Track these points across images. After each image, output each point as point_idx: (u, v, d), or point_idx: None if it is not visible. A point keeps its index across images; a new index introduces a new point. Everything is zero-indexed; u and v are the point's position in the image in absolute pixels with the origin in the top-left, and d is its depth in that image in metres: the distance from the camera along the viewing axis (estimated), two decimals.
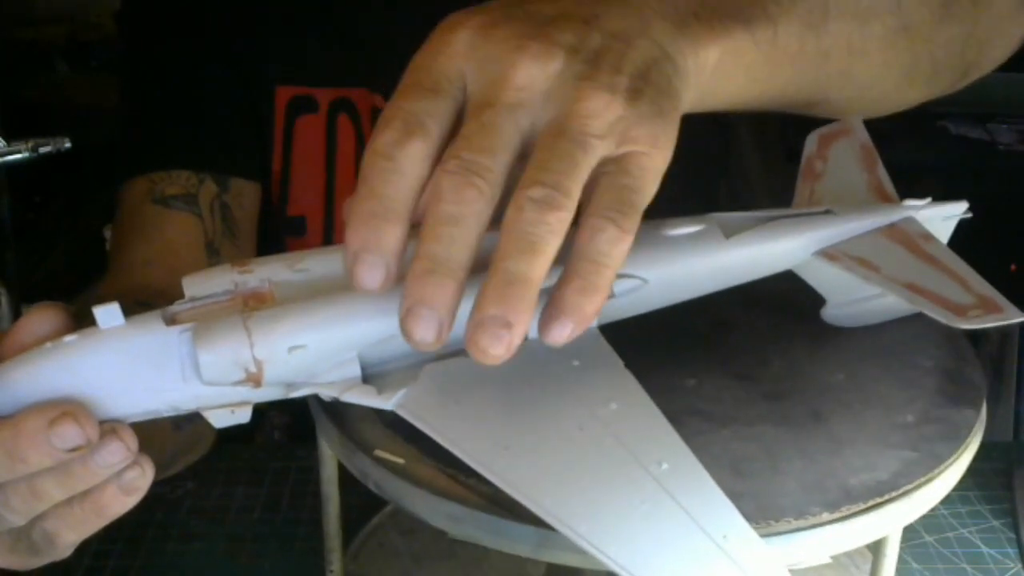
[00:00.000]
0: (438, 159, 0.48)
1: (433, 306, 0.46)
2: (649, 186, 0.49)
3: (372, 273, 0.47)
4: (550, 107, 0.49)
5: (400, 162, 0.47)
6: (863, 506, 0.50)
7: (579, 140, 0.48)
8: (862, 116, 0.70)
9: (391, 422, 0.53)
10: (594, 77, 0.49)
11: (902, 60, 0.72)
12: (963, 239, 0.60)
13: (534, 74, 0.49)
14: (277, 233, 0.96)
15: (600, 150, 0.48)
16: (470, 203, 0.46)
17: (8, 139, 0.77)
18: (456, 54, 0.50)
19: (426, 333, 0.46)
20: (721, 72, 0.57)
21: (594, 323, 0.52)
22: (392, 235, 0.47)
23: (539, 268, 0.46)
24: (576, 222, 0.48)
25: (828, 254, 0.57)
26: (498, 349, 0.46)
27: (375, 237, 0.47)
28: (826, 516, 0.49)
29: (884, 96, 0.75)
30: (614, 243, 0.47)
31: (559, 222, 0.46)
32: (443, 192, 0.47)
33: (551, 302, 0.47)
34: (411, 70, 0.50)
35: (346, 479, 0.63)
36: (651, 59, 0.51)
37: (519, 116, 0.49)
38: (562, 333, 0.47)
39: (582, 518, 0.44)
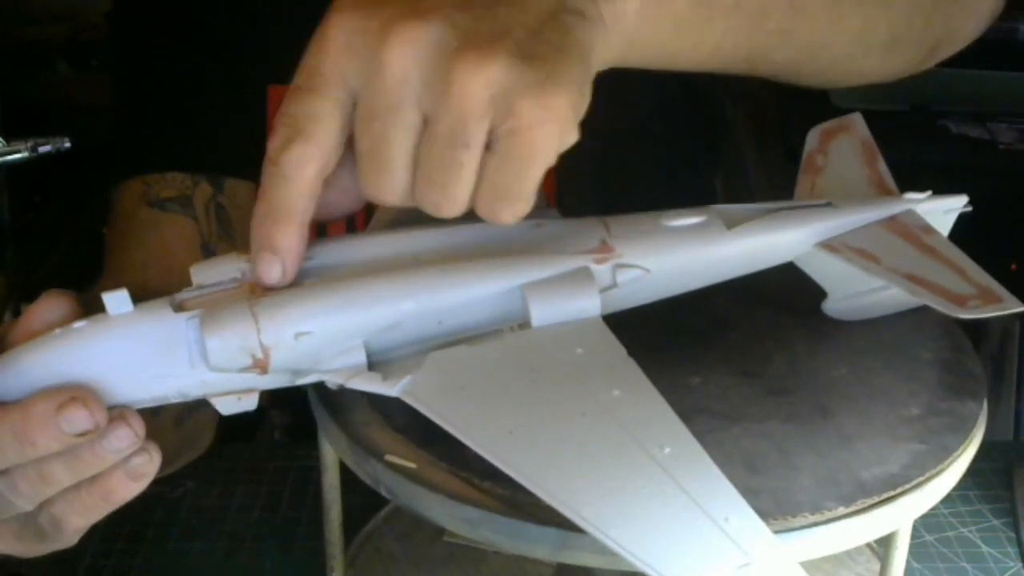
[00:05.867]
0: (332, 154, 0.50)
1: None
2: (535, 167, 0.48)
3: (269, 269, 0.50)
4: (430, 93, 0.48)
5: (284, 167, 0.49)
6: (877, 499, 0.50)
7: (457, 138, 0.47)
8: (818, 84, 0.69)
9: (400, 427, 0.54)
10: (468, 49, 0.47)
11: (851, 23, 0.69)
12: (963, 238, 0.61)
13: (407, 63, 0.47)
14: None
15: (483, 130, 0.47)
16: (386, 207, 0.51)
17: (8, 139, 0.77)
18: (333, 51, 0.49)
19: None
20: (646, 21, 0.55)
21: (596, 312, 0.53)
22: (284, 235, 0.50)
23: None
24: None
25: (829, 246, 0.58)
26: None
27: (269, 238, 0.50)
28: (842, 510, 0.49)
29: (835, 62, 0.72)
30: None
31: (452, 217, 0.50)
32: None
33: None
34: (298, 71, 0.51)
35: (342, 483, 0.63)
36: (545, 13, 0.49)
37: (405, 115, 0.48)
38: None
39: (586, 502, 0.44)
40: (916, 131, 1.46)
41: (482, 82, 0.46)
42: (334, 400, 0.57)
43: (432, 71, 0.47)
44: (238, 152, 0.91)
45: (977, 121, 1.48)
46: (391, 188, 0.49)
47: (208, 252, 0.86)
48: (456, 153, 0.48)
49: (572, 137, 0.49)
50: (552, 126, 0.48)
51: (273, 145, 0.50)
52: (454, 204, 0.49)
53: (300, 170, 0.49)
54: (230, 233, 0.89)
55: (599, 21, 0.51)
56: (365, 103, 0.49)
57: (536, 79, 0.47)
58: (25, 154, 0.77)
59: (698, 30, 0.60)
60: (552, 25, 0.49)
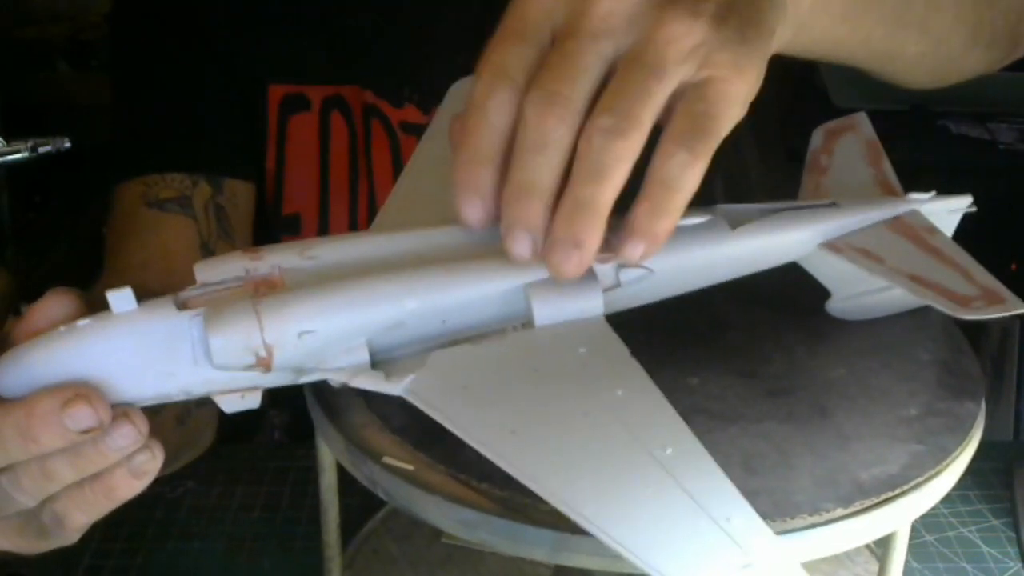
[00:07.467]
0: None
1: (526, 226, 0.50)
2: (728, 112, 0.50)
3: (471, 210, 0.52)
4: (632, 33, 0.49)
5: (488, 111, 0.50)
6: (876, 500, 0.50)
7: (655, 68, 0.49)
8: (925, 82, 0.72)
9: (398, 429, 0.54)
10: (677, 3, 0.49)
11: (969, 19, 0.74)
12: (963, 238, 0.61)
13: (616, 2, 0.50)
14: (272, 232, 0.96)
15: (678, 75, 0.49)
16: (552, 130, 0.49)
17: (8, 139, 0.77)
18: None
19: (522, 250, 0.50)
20: (817, 7, 0.58)
21: (599, 312, 0.53)
22: (485, 177, 0.51)
23: (606, 193, 0.49)
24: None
25: (833, 246, 0.58)
26: (568, 266, 0.50)
27: (471, 179, 0.51)
28: (840, 511, 0.49)
29: (951, 57, 0.76)
30: (685, 167, 0.49)
31: (626, 150, 0.48)
32: (527, 121, 0.49)
33: (624, 224, 0.50)
34: (504, 19, 0.52)
35: (340, 484, 0.63)
36: None
37: (601, 44, 0.50)
38: (635, 252, 0.50)
39: (588, 501, 0.44)
40: (916, 131, 1.46)
41: (688, 31, 0.49)
42: (331, 402, 0.57)
43: (640, 14, 0.49)
44: (237, 152, 0.92)
45: (977, 121, 1.48)
46: (565, 108, 0.49)
47: (207, 252, 0.87)
48: (648, 80, 0.49)
49: (743, 111, 0.50)
50: (741, 86, 0.50)
51: (476, 91, 0.51)
52: (634, 128, 0.49)
53: (502, 114, 0.50)
54: (229, 233, 0.89)
55: (782, 5, 0.54)
56: (563, 29, 0.50)
57: (732, 39, 0.49)
58: (25, 154, 0.77)
59: (856, 19, 0.63)
60: (746, 1, 0.51)
